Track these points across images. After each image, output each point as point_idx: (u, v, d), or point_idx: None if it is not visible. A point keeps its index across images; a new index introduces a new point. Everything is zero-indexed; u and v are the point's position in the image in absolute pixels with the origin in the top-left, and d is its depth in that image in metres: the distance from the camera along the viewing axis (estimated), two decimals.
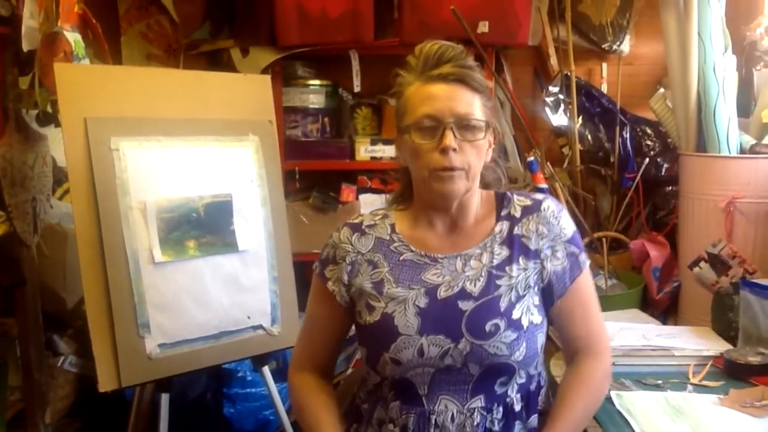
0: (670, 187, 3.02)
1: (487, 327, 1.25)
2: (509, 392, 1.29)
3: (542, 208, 1.34)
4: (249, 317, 2.04)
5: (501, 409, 1.28)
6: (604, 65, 3.22)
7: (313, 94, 2.91)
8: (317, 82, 2.93)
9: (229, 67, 2.78)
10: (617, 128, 3.06)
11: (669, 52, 2.61)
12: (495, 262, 1.31)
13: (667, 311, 2.79)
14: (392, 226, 1.38)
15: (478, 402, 1.27)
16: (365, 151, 2.88)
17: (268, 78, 2.27)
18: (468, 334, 1.25)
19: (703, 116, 2.50)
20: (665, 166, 3.07)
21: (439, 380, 1.28)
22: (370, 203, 2.90)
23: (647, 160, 3.04)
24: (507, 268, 1.30)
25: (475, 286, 1.29)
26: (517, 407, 1.30)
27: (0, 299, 2.25)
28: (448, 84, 1.26)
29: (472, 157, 1.27)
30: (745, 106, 2.66)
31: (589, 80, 3.20)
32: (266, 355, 2.11)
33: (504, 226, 1.34)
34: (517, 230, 1.33)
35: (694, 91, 2.51)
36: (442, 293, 1.29)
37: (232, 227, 2.03)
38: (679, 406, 1.52)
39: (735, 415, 1.48)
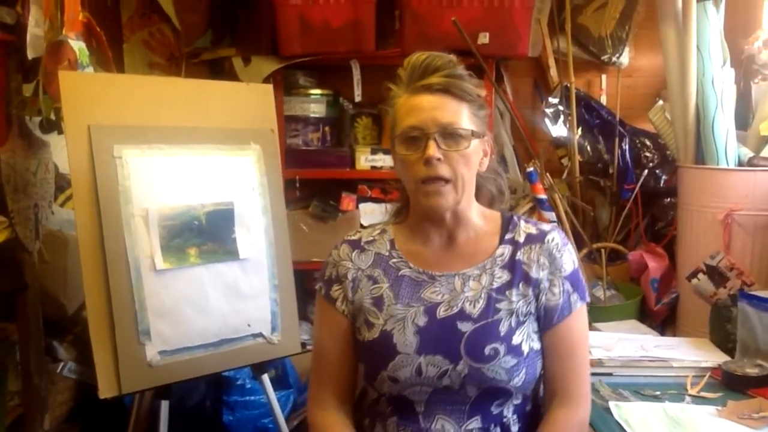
0: (668, 199, 3.04)
1: (487, 350, 1.24)
2: (505, 413, 1.28)
3: (546, 240, 1.32)
4: (249, 325, 2.04)
5: (498, 429, 1.28)
6: (604, 77, 3.24)
7: (314, 104, 2.92)
8: (318, 91, 2.94)
9: (231, 75, 2.80)
10: (616, 140, 3.08)
11: (668, 65, 2.64)
12: (495, 285, 1.29)
13: (665, 322, 2.80)
14: (391, 242, 1.37)
15: (475, 423, 1.26)
16: (365, 160, 2.89)
17: (269, 87, 2.28)
18: (467, 356, 1.24)
19: (701, 128, 2.52)
20: (664, 177, 3.09)
21: (437, 399, 1.27)
22: (370, 212, 2.91)
23: (646, 171, 3.06)
24: (507, 293, 1.29)
25: (474, 307, 1.28)
26: (515, 428, 1.29)
27: (1, 304, 2.25)
28: (433, 94, 1.25)
29: (460, 167, 1.25)
30: (744, 118, 2.67)
31: (588, 92, 3.22)
32: (266, 363, 2.11)
33: (507, 250, 1.33)
34: (519, 256, 1.31)
35: (693, 104, 2.53)
36: (441, 312, 1.28)
37: (234, 235, 2.03)
38: (677, 417, 1.53)
39: (733, 427, 1.48)
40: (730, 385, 1.70)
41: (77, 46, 2.04)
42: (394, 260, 1.35)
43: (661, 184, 3.09)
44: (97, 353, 1.79)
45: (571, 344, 1.31)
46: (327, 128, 2.96)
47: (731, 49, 2.56)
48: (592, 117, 3.14)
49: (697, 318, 2.44)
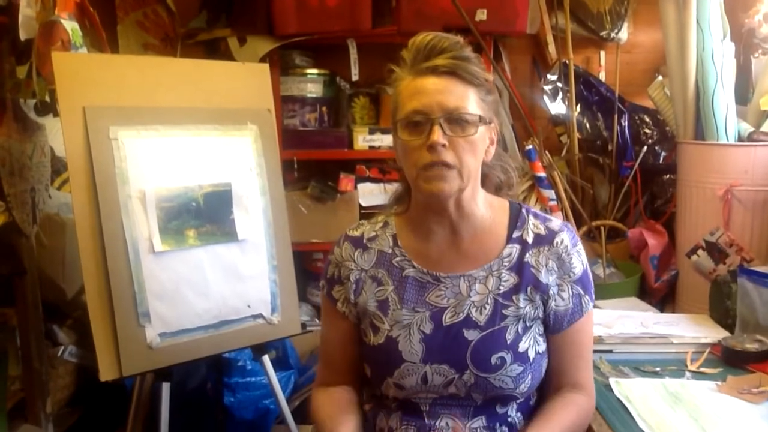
0: (668, 176, 3.03)
1: (493, 360, 1.22)
2: (510, 412, 1.27)
3: (555, 242, 1.27)
4: (249, 306, 2.04)
5: (505, 428, 1.26)
6: (602, 53, 3.22)
7: (311, 83, 2.90)
8: (315, 71, 2.92)
9: (227, 56, 2.77)
10: (615, 116, 3.07)
11: (667, 40, 2.61)
12: (502, 289, 1.26)
13: (664, 299, 2.81)
14: (394, 237, 1.32)
15: (480, 422, 1.25)
16: (363, 140, 2.88)
17: (266, 67, 2.26)
18: (473, 366, 1.22)
19: (701, 104, 2.50)
20: (663, 154, 3.08)
21: (442, 403, 1.26)
22: (368, 192, 2.90)
23: (645, 148, 3.05)
24: (514, 297, 1.25)
25: (481, 314, 1.25)
26: (520, 426, 1.28)
27: None
28: (439, 77, 1.19)
29: (466, 154, 1.19)
30: (744, 93, 2.66)
31: (587, 68, 3.20)
32: (266, 344, 2.12)
33: (514, 250, 1.28)
34: (527, 258, 1.27)
35: (693, 79, 2.52)
36: (447, 319, 1.25)
37: (232, 216, 2.03)
38: (677, 393, 1.53)
39: (732, 402, 1.49)
40: (730, 361, 1.70)
41: (70, 26, 2.01)
42: (397, 259, 1.30)
43: (661, 161, 3.08)
44: (97, 336, 1.79)
45: (581, 345, 1.30)
46: (324, 108, 2.94)
47: (731, 22, 2.53)
48: (591, 94, 3.12)
49: (696, 294, 2.45)
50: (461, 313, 1.25)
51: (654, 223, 2.93)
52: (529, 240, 1.28)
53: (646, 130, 3.11)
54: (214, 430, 2.32)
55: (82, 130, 1.81)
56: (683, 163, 2.63)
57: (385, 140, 2.87)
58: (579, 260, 1.28)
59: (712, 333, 1.86)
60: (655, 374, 1.65)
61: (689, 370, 1.67)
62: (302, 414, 2.42)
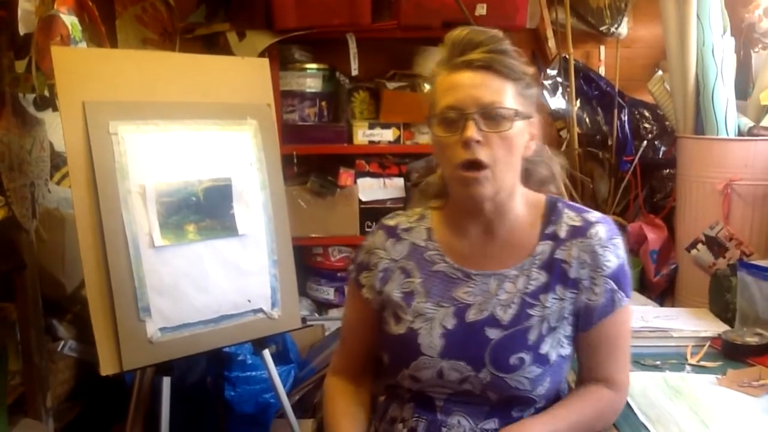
0: (667, 170, 3.03)
1: (512, 360, 1.19)
2: (525, 416, 1.23)
3: (589, 234, 1.22)
4: (249, 301, 2.04)
5: None
6: (602, 48, 3.21)
7: (311, 78, 2.90)
8: (314, 65, 2.91)
9: (225, 50, 2.77)
10: (615, 111, 3.07)
11: (667, 35, 2.61)
12: (530, 288, 1.22)
13: (664, 293, 2.81)
14: (428, 231, 1.31)
15: (492, 424, 1.22)
16: (363, 135, 2.88)
17: (266, 61, 2.25)
18: (490, 365, 1.19)
19: (701, 99, 2.50)
20: (663, 148, 3.08)
21: (457, 399, 1.23)
22: (368, 187, 2.90)
23: (645, 143, 3.05)
24: (542, 297, 1.22)
25: (505, 313, 1.21)
26: None
27: None
28: (474, 71, 1.16)
29: (500, 151, 1.16)
30: (743, 88, 2.66)
31: (587, 63, 3.19)
32: (266, 339, 2.12)
33: (546, 247, 1.24)
34: (558, 254, 1.23)
35: (693, 74, 2.52)
36: (470, 316, 1.23)
37: (232, 211, 2.02)
38: (677, 387, 1.54)
39: (733, 395, 1.49)
40: (730, 354, 1.71)
41: (69, 20, 2.01)
42: (430, 252, 1.29)
43: (660, 156, 3.08)
44: (97, 331, 1.79)
45: (615, 342, 1.26)
46: (324, 103, 2.94)
47: (731, 17, 2.53)
48: (591, 88, 3.12)
49: (696, 288, 2.45)
50: (485, 311, 1.22)
51: (654, 218, 2.93)
52: (562, 234, 1.24)
53: (646, 125, 3.11)
54: (215, 424, 2.33)
55: (82, 124, 1.81)
56: (683, 158, 2.63)
57: (384, 135, 2.87)
58: (614, 254, 1.23)
59: (712, 327, 1.86)
60: (656, 368, 1.65)
61: (689, 364, 1.68)
62: (302, 408, 2.42)
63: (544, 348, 1.20)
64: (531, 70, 1.24)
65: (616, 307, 1.23)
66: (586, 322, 1.23)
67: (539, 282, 1.23)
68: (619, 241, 1.25)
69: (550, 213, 1.27)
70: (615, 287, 1.22)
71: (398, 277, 1.29)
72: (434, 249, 1.29)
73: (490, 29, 1.21)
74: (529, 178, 1.30)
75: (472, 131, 1.14)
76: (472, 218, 1.26)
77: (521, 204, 1.26)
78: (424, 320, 1.24)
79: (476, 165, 1.15)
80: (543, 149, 1.32)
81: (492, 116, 1.15)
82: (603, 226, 1.24)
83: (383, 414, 1.33)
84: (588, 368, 1.28)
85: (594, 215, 1.26)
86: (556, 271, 1.22)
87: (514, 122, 1.16)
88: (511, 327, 1.21)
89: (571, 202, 1.30)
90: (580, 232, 1.23)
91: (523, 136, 1.21)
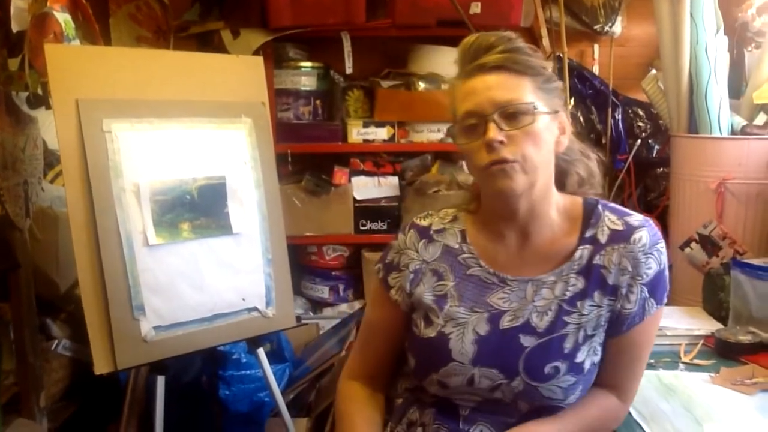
0: (661, 169, 3.05)
1: (547, 369, 1.14)
2: None
3: (632, 240, 1.17)
4: (243, 299, 2.04)
5: None
6: (596, 47, 3.22)
7: (305, 77, 2.90)
8: (309, 64, 2.91)
9: (220, 49, 2.76)
10: (609, 110, 3.07)
11: (661, 34, 2.62)
12: (568, 294, 1.18)
13: None
14: (462, 233, 1.26)
15: None
16: (357, 133, 2.88)
17: (260, 59, 2.25)
18: (524, 373, 1.15)
19: (694, 97, 2.51)
20: (657, 147, 3.10)
21: (484, 409, 1.19)
22: (362, 186, 2.90)
23: (639, 141, 3.06)
24: (579, 304, 1.17)
25: (541, 320, 1.17)
26: None
27: None
28: (488, 74, 1.13)
29: (527, 146, 1.12)
30: (737, 87, 2.67)
31: (581, 62, 3.20)
32: (261, 337, 2.11)
33: (585, 251, 1.19)
34: (597, 259, 1.18)
35: (686, 73, 2.52)
36: (505, 322, 1.18)
37: (226, 209, 2.02)
38: (671, 385, 1.54)
39: (726, 393, 1.50)
40: (723, 353, 1.71)
41: (63, 18, 2.00)
42: (464, 255, 1.24)
43: (654, 154, 3.10)
44: (91, 330, 1.78)
45: (637, 350, 1.21)
46: (318, 101, 2.94)
47: (724, 16, 2.54)
48: (585, 87, 3.13)
49: (690, 287, 2.45)
50: (521, 318, 1.18)
51: (647, 216, 2.94)
52: (603, 239, 1.19)
53: (640, 124, 3.13)
54: (210, 423, 2.33)
55: (75, 122, 1.80)
56: (677, 157, 2.63)
57: (379, 133, 2.87)
58: (656, 261, 1.18)
59: (705, 325, 1.87)
60: (650, 366, 1.65)
61: (683, 362, 1.68)
62: (297, 407, 2.42)
63: (580, 357, 1.16)
64: (548, 64, 1.22)
65: (645, 316, 1.19)
66: (615, 330, 1.19)
67: (576, 288, 1.18)
68: (662, 246, 1.20)
69: (590, 216, 1.22)
70: (648, 295, 1.18)
71: (430, 279, 1.25)
72: (468, 252, 1.25)
73: (501, 31, 1.18)
74: (566, 180, 1.26)
75: (493, 132, 1.11)
76: (507, 223, 1.21)
77: (556, 206, 1.22)
78: (455, 325, 1.20)
79: (502, 163, 1.12)
80: (576, 144, 1.28)
81: (512, 114, 1.13)
82: (646, 232, 1.19)
83: (401, 417, 1.29)
84: (603, 373, 1.22)
85: (637, 218, 1.21)
86: (594, 277, 1.18)
87: (536, 116, 1.13)
88: (546, 335, 1.17)
89: (612, 204, 1.25)
90: (622, 237, 1.18)
91: (551, 131, 1.17)
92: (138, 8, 2.95)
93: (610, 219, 1.20)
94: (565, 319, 1.17)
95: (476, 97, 1.14)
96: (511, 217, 1.19)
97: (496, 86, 1.13)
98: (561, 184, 1.25)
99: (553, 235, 1.21)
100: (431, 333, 1.21)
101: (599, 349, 1.19)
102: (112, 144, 1.85)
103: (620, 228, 1.19)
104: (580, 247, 1.19)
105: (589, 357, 1.17)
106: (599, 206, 1.23)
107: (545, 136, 1.15)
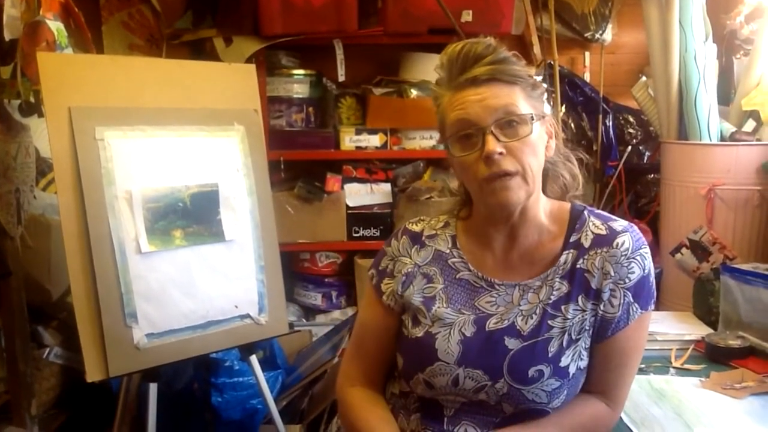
0: (651, 175, 3.07)
1: (531, 372, 1.15)
2: None
3: (615, 244, 1.18)
4: (236, 306, 2.04)
5: None
6: (587, 54, 3.25)
7: (297, 84, 2.91)
8: (301, 71, 2.92)
9: (212, 56, 2.77)
10: (600, 117, 3.09)
11: (651, 41, 2.64)
12: (552, 298, 1.19)
13: None
14: (453, 239, 1.28)
15: None
16: (350, 140, 2.88)
17: (252, 67, 2.26)
18: (508, 376, 1.15)
19: (684, 104, 2.53)
20: (647, 154, 3.12)
21: (468, 409, 1.20)
22: (355, 193, 2.91)
23: (629, 148, 3.08)
24: (563, 308, 1.18)
25: (526, 323, 1.18)
26: None
27: None
28: (480, 86, 1.14)
29: (527, 157, 1.13)
30: (726, 94, 2.70)
31: (571, 69, 3.23)
32: (254, 344, 2.11)
33: (569, 256, 1.20)
34: (581, 263, 1.19)
35: (676, 80, 2.55)
36: (491, 325, 1.19)
37: (219, 217, 2.02)
38: (661, 389, 1.55)
39: (716, 397, 1.51)
40: (713, 357, 1.72)
41: (55, 26, 2.00)
42: (453, 260, 1.26)
43: (645, 161, 3.12)
44: (83, 337, 1.78)
45: (624, 356, 1.20)
46: (311, 109, 2.94)
47: (713, 24, 2.57)
48: (576, 94, 3.15)
49: (680, 292, 2.47)
50: (506, 321, 1.19)
51: (638, 222, 2.96)
52: (586, 243, 1.20)
53: (631, 130, 3.15)
54: (202, 430, 2.32)
55: (68, 130, 1.80)
56: (667, 163, 2.65)
57: (371, 141, 2.88)
58: (639, 265, 1.18)
59: (695, 330, 1.88)
60: (640, 371, 1.66)
61: (673, 367, 1.69)
62: (290, 414, 2.42)
63: (565, 361, 1.16)
64: (532, 70, 1.22)
65: (630, 320, 1.18)
66: (601, 335, 1.19)
67: (561, 292, 1.19)
68: (646, 251, 1.20)
69: (575, 221, 1.23)
70: (632, 299, 1.18)
71: (420, 282, 1.26)
72: (458, 257, 1.26)
73: (482, 38, 1.18)
74: (550, 182, 1.27)
75: (492, 144, 1.11)
76: (496, 227, 1.23)
77: (545, 213, 1.23)
78: (442, 325, 1.21)
79: (503, 175, 1.12)
80: (563, 148, 1.29)
81: (509, 124, 1.13)
82: (629, 236, 1.19)
83: None
84: (591, 379, 1.22)
85: (620, 224, 1.21)
86: (578, 281, 1.19)
87: (532, 125, 1.14)
88: (530, 338, 1.17)
89: (598, 210, 1.26)
90: (605, 241, 1.19)
91: (543, 137, 1.19)
92: (130, 16, 2.95)
93: (595, 224, 1.22)
94: (550, 322, 1.18)
95: (471, 108, 1.14)
96: (504, 221, 1.21)
97: (490, 97, 1.13)
98: (545, 187, 1.26)
99: (540, 239, 1.22)
100: (419, 333, 1.23)
101: (585, 354, 1.19)
102: (105, 152, 1.85)
103: (604, 232, 1.20)
104: (565, 252, 1.21)
105: (574, 362, 1.17)
106: (585, 212, 1.24)
107: (539, 143, 1.17)
